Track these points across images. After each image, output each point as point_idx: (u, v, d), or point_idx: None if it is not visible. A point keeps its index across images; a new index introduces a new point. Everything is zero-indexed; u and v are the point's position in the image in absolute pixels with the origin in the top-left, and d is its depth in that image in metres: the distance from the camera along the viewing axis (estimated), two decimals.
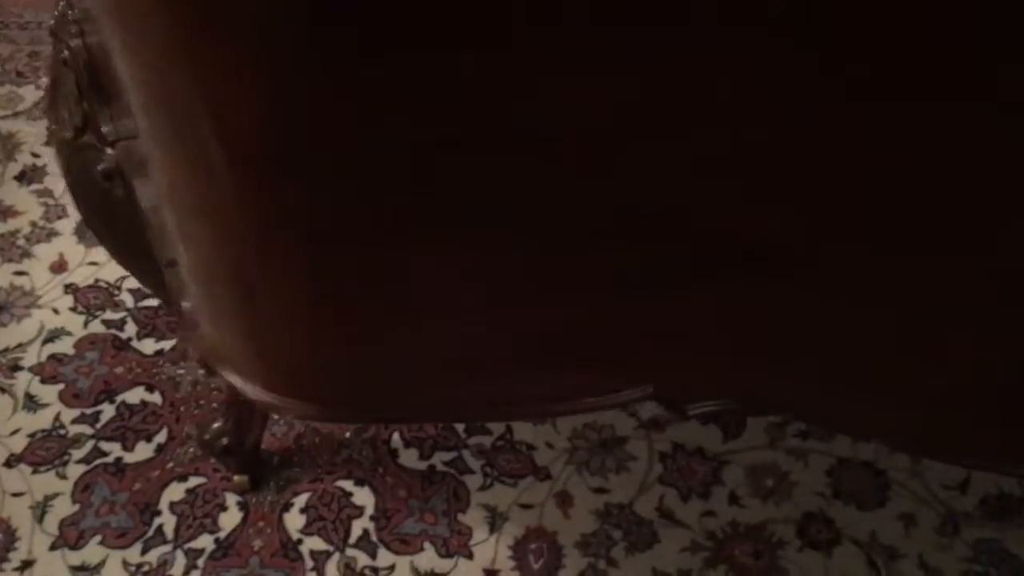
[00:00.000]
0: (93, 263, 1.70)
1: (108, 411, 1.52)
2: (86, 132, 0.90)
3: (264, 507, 1.41)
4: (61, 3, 0.87)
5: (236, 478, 1.42)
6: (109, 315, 1.64)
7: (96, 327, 1.62)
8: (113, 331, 1.62)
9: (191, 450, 1.48)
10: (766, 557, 1.36)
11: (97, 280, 1.68)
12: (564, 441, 1.48)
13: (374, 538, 1.38)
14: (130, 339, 1.61)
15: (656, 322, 0.83)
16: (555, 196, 0.71)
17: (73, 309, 1.65)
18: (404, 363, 0.92)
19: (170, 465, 1.46)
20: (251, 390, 1.01)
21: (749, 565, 1.35)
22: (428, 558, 1.36)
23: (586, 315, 0.83)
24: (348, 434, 1.49)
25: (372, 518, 1.40)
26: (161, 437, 1.49)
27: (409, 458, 1.47)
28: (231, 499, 1.41)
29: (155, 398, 1.54)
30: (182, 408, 1.53)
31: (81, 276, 1.68)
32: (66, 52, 0.86)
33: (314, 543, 1.38)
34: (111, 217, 0.99)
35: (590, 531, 1.39)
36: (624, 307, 0.81)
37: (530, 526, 1.40)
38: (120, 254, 1.10)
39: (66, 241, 1.74)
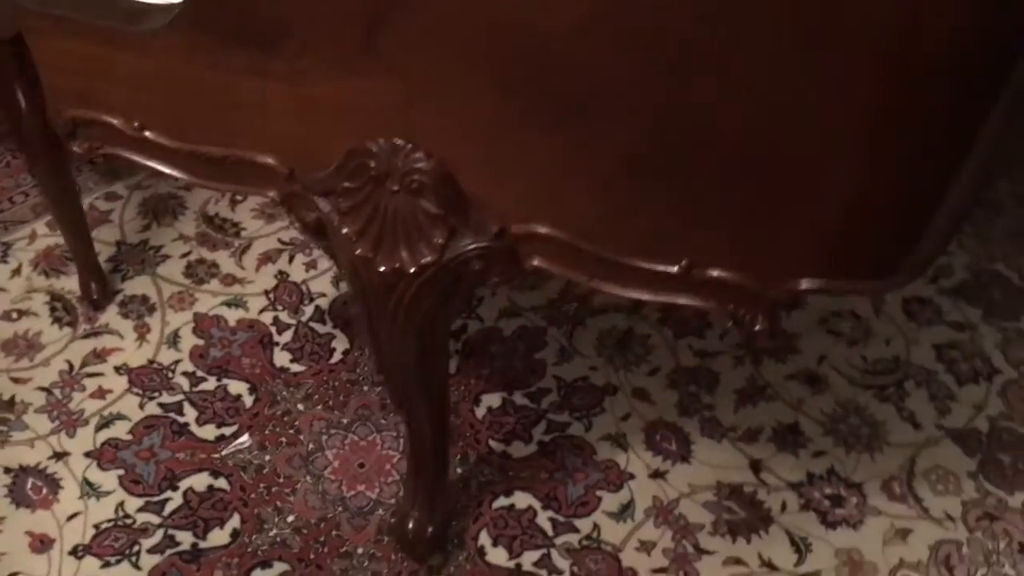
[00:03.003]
0: (144, 340, 1.63)
1: (175, 499, 1.45)
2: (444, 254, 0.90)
3: None
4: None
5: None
6: (165, 398, 1.57)
7: (152, 409, 1.55)
8: (171, 415, 1.55)
9: (272, 533, 1.41)
10: None
11: (151, 361, 1.61)
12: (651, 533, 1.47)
13: None
14: (188, 424, 1.54)
15: None
16: None
17: (128, 391, 1.57)
18: None
19: (249, 550, 1.39)
20: None
21: None
22: None
23: None
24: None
25: None
26: (235, 522, 1.42)
27: (497, 557, 1.43)
28: None
29: (222, 484, 1.47)
30: (252, 495, 1.46)
31: (135, 359, 1.61)
32: (406, 181, 0.87)
33: None
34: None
35: None
36: None
37: None
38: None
39: (114, 320, 1.66)
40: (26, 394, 1.55)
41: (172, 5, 0.90)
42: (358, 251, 0.94)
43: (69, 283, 1.69)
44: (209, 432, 1.53)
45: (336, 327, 1.67)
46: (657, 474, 1.54)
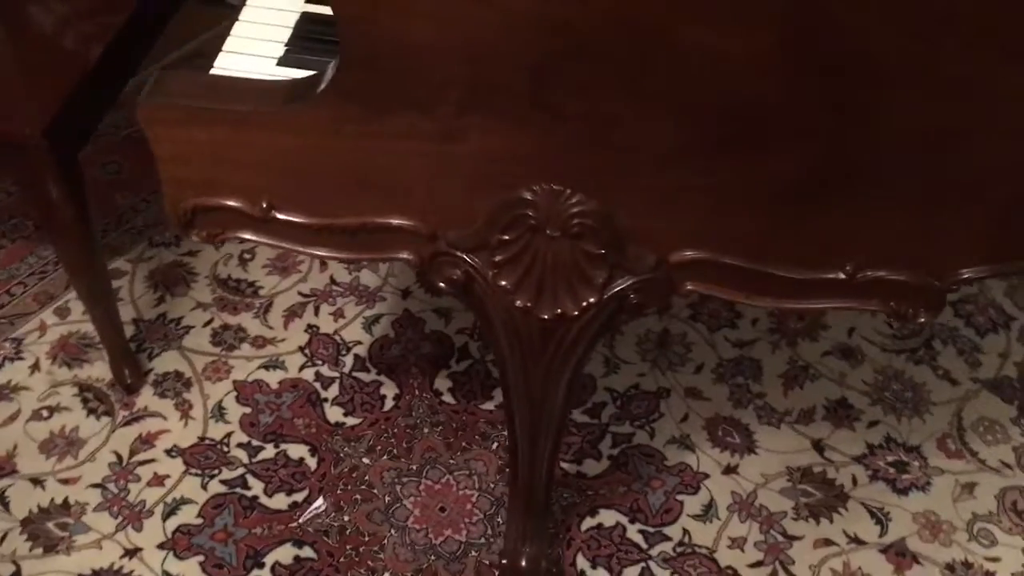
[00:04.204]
0: (189, 417, 1.57)
1: None
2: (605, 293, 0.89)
3: None
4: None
5: None
6: (226, 474, 1.51)
7: (216, 488, 1.50)
8: (237, 490, 1.50)
9: None
10: None
11: (201, 438, 1.55)
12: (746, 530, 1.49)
13: None
14: (257, 496, 1.49)
15: None
16: None
17: (186, 473, 1.51)
18: None
19: None
20: None
21: None
22: None
23: None
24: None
25: None
26: None
27: None
28: None
29: (308, 553, 1.43)
30: (341, 558, 1.43)
31: (184, 438, 1.55)
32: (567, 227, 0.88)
33: None
34: None
35: None
36: None
37: None
38: None
39: (151, 402, 1.59)
40: (79, 494, 1.48)
41: (311, 80, 0.87)
42: (517, 302, 0.93)
43: (94, 370, 1.61)
44: (281, 502, 1.49)
45: (380, 373, 1.64)
46: (729, 469, 1.56)
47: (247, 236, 0.96)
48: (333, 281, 1.76)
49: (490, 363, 1.66)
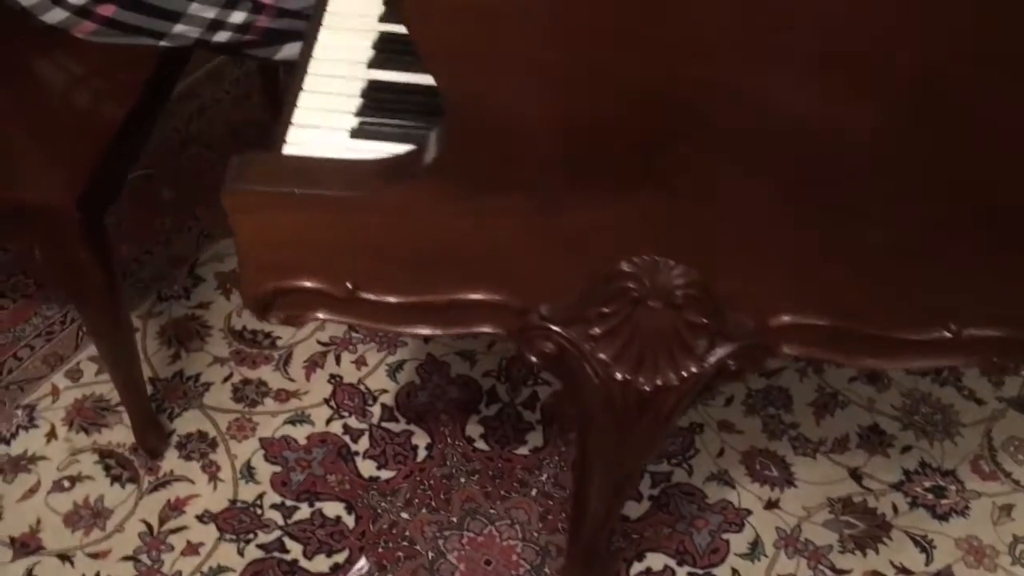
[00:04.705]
0: (218, 480, 1.52)
1: None
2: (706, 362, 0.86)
3: None
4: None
5: None
6: (263, 538, 1.47)
7: (254, 553, 1.45)
8: (275, 555, 1.45)
9: None
10: None
11: (233, 501, 1.50)
12: None
13: None
14: (297, 560, 1.45)
15: None
16: None
17: (220, 539, 1.46)
18: None
19: None
20: None
21: None
22: None
23: None
24: None
25: None
26: None
27: None
28: None
29: None
30: None
31: (214, 502, 1.50)
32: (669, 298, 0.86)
33: None
34: None
35: None
36: None
37: None
38: None
39: (177, 465, 1.54)
40: (111, 568, 1.42)
41: (404, 160, 0.84)
42: (617, 375, 0.90)
43: (113, 435, 1.55)
44: (321, 564, 1.44)
45: (410, 422, 1.60)
46: (771, 504, 1.55)
47: (328, 317, 0.92)
48: (351, 327, 1.71)
49: (520, 406, 1.63)
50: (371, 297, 0.90)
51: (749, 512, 1.54)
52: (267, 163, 0.86)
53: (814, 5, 0.69)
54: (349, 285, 0.89)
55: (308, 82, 0.97)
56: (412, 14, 0.71)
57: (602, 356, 0.90)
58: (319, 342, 1.69)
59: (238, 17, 1.33)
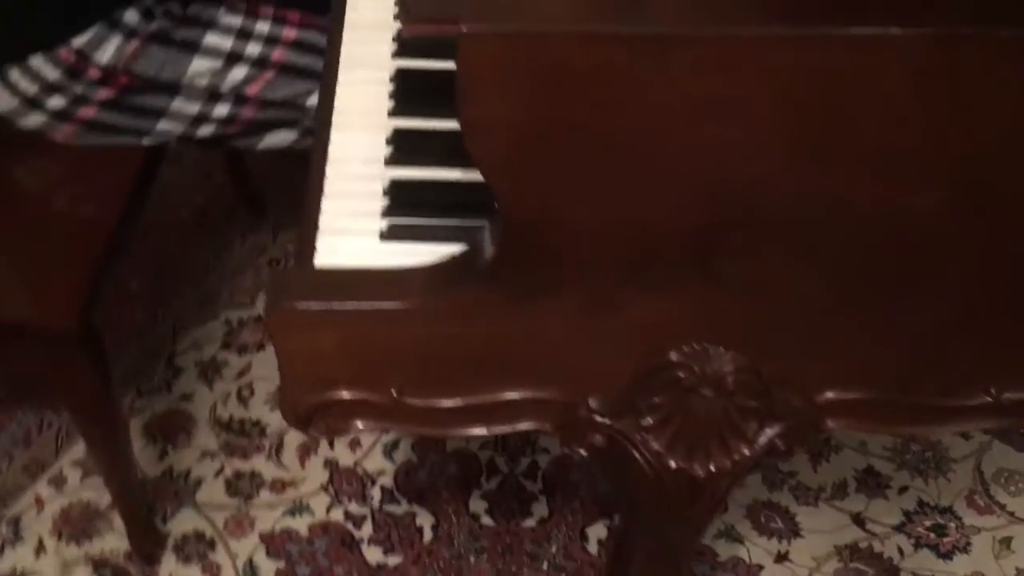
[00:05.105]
0: None
1: None
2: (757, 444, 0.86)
3: None
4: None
5: None
6: None
7: None
8: None
9: None
10: None
11: None
12: None
13: None
14: None
15: None
16: None
17: None
18: None
19: None
20: None
21: None
22: None
23: None
24: None
25: None
26: None
27: None
28: None
29: None
30: None
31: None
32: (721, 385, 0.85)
33: None
34: None
35: None
36: None
37: None
38: None
39: (176, 569, 1.48)
40: None
41: (453, 267, 0.82)
42: (671, 464, 0.89)
43: (105, 543, 1.50)
44: None
45: (412, 503, 1.58)
46: (781, 557, 1.55)
47: (371, 425, 0.90)
48: None
49: (521, 476, 1.62)
50: (415, 403, 0.88)
51: (761, 567, 1.54)
52: (306, 279, 0.84)
53: (869, 104, 0.70)
54: (394, 392, 0.87)
55: (328, 186, 0.95)
56: (469, 131, 0.70)
57: (655, 446, 0.89)
58: None
59: (222, 110, 1.30)
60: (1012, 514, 1.63)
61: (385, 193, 0.95)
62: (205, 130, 1.31)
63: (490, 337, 0.84)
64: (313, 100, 1.30)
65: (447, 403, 0.88)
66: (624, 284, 0.81)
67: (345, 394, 0.87)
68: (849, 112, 0.70)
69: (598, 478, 1.62)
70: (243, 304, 1.81)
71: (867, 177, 0.73)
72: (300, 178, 1.45)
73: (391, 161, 0.99)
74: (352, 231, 0.92)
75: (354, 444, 1.64)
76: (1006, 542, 1.59)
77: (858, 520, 1.61)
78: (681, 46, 0.67)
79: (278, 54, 1.29)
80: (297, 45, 1.30)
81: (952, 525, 1.61)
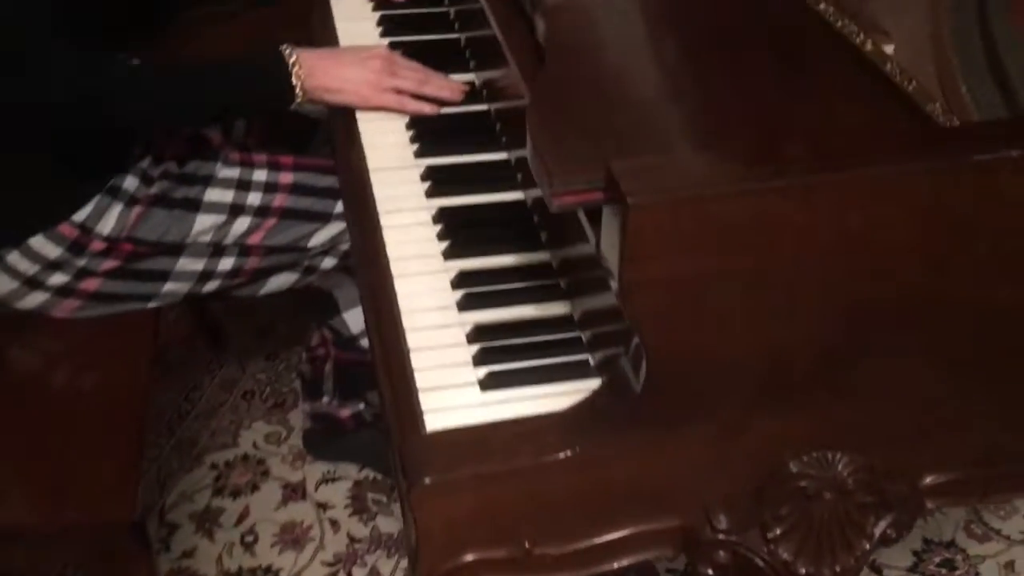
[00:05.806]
0: None
1: None
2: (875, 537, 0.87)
3: None
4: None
5: None
6: None
7: None
8: None
9: None
10: None
11: None
12: None
13: None
14: None
15: None
16: None
17: None
18: None
19: None
20: None
21: None
22: None
23: None
24: None
25: None
26: None
27: None
28: None
29: None
30: None
31: None
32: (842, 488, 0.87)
33: None
34: None
35: None
36: None
37: None
38: None
39: None
40: None
41: (588, 412, 0.82)
42: (801, 571, 0.91)
43: None
44: None
45: None
46: None
47: None
48: (352, 539, 1.64)
49: None
50: (548, 552, 0.87)
51: None
52: (438, 448, 0.82)
53: (995, 214, 0.74)
54: (526, 545, 0.86)
55: (412, 339, 0.94)
56: (630, 292, 0.71)
57: (783, 555, 0.90)
58: (323, 563, 1.61)
59: (227, 264, 1.27)
60: (1008, 537, 1.70)
61: (470, 340, 0.95)
62: (211, 285, 1.28)
63: (628, 477, 0.85)
64: (315, 240, 1.29)
65: (573, 547, 0.88)
66: (755, 406, 0.83)
67: (480, 554, 0.86)
68: (977, 224, 0.74)
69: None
70: (226, 445, 1.75)
71: (995, 276, 0.77)
72: (258, 301, 1.43)
73: (464, 306, 0.98)
74: (450, 385, 0.91)
75: (373, 574, 1.59)
76: (1010, 565, 1.66)
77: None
78: (828, 188, 0.70)
79: (279, 200, 1.27)
80: (295, 188, 1.28)
81: (959, 558, 1.67)
